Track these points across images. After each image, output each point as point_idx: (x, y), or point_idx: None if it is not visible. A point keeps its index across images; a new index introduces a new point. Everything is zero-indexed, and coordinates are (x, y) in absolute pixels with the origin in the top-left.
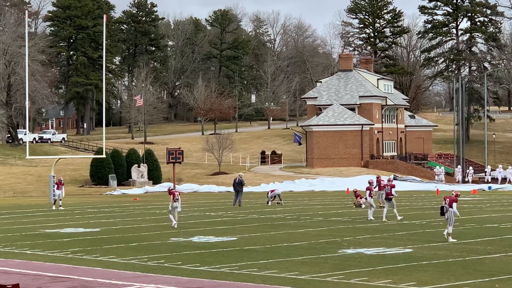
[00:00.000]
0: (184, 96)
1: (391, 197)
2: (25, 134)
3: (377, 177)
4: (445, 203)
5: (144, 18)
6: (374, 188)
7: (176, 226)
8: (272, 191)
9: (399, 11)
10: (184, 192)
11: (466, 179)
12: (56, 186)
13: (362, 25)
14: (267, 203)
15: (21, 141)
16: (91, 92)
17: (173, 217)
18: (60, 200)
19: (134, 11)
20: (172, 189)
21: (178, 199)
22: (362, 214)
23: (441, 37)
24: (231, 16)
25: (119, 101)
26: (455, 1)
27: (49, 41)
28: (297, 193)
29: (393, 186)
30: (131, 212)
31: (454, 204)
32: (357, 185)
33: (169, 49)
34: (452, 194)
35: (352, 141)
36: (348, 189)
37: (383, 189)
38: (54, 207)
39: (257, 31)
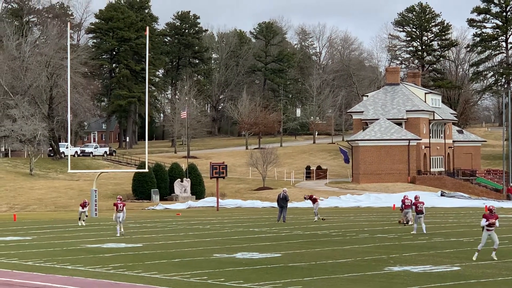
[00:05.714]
0: (228, 109)
1: (421, 215)
2: (66, 147)
3: (404, 197)
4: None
5: (187, 31)
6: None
7: (121, 236)
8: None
9: (447, 24)
10: (228, 207)
11: None
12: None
13: (409, 38)
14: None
15: (62, 155)
16: (134, 105)
17: (119, 227)
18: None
19: (177, 23)
20: (117, 202)
21: (121, 210)
22: (408, 231)
23: (490, 50)
24: (276, 29)
25: (162, 115)
26: (504, 14)
27: (91, 53)
28: (343, 209)
29: (422, 203)
30: (174, 227)
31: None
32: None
33: (213, 61)
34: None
35: (399, 156)
36: (394, 205)
37: (409, 207)
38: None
39: (303, 44)
